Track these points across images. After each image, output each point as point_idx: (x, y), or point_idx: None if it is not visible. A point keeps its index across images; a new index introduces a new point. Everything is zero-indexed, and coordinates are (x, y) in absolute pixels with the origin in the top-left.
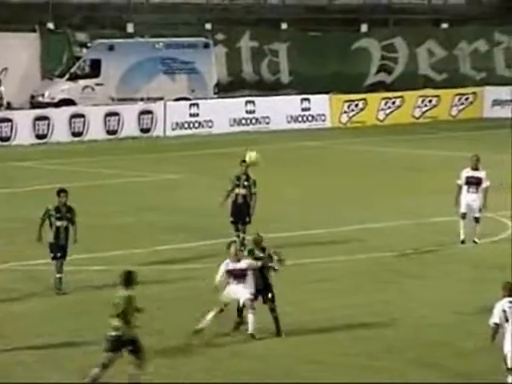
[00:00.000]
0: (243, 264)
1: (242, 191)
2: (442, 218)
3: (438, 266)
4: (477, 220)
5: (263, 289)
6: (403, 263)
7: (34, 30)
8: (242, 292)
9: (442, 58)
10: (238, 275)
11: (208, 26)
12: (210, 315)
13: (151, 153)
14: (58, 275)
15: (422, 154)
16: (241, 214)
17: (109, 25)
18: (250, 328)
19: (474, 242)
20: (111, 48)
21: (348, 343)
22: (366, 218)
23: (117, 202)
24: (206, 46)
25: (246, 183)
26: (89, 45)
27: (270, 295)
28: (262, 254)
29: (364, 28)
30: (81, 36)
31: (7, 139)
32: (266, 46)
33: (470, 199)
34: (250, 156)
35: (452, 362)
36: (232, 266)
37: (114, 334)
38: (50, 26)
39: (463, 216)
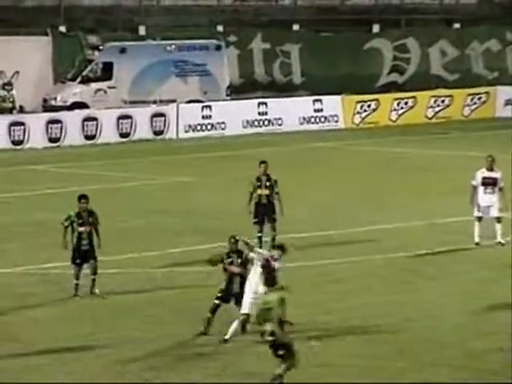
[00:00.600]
0: (277, 264)
1: (265, 192)
2: (455, 218)
3: (451, 266)
4: (498, 220)
5: (239, 293)
6: (417, 264)
7: (46, 34)
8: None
9: (455, 58)
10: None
11: (220, 27)
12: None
13: (164, 155)
14: (75, 281)
15: (435, 154)
16: (267, 214)
17: (120, 27)
18: None
19: (501, 243)
20: (123, 51)
21: (362, 344)
22: (380, 219)
23: (129, 204)
24: (218, 47)
25: (267, 183)
26: (101, 48)
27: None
28: (239, 260)
29: (376, 28)
30: (93, 39)
31: (20, 143)
32: (278, 47)
33: (487, 200)
34: None
35: (465, 363)
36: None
37: (270, 339)
38: (62, 29)
39: (479, 219)
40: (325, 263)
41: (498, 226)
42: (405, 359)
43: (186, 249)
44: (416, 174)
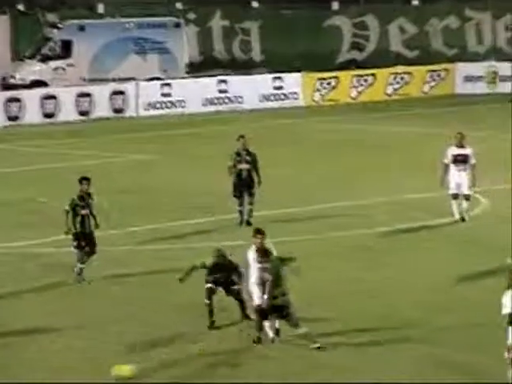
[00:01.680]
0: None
1: (246, 166)
2: (416, 194)
3: (413, 243)
4: (467, 197)
5: (230, 281)
6: (377, 241)
7: (4, 12)
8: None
9: (414, 35)
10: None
11: (179, 5)
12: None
13: (124, 133)
14: (80, 265)
15: (396, 131)
16: (246, 187)
17: (79, 5)
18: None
19: (463, 219)
20: (82, 28)
21: (322, 322)
22: (340, 196)
23: (91, 182)
24: (177, 25)
25: (247, 158)
26: (59, 26)
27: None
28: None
29: (335, 6)
30: (51, 17)
31: None
32: (238, 24)
33: (457, 177)
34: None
35: (428, 339)
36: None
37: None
38: (21, 7)
39: (455, 196)
40: (284, 240)
41: (466, 203)
42: (368, 335)
43: (146, 227)
44: (377, 151)
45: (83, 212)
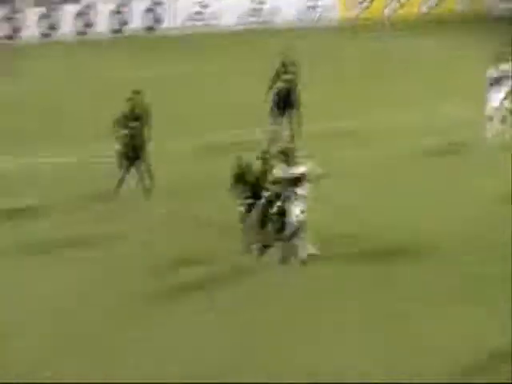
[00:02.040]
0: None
1: (288, 77)
2: (447, 118)
3: (440, 166)
4: (504, 119)
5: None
6: (401, 163)
7: None
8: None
9: None
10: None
11: None
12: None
13: (159, 47)
14: (122, 175)
15: (432, 49)
16: (285, 102)
17: None
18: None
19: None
20: None
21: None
22: (372, 115)
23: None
24: None
25: (290, 70)
26: None
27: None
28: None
29: None
30: None
31: (12, 37)
32: None
33: (496, 98)
34: None
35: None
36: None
37: None
38: None
39: (490, 118)
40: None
41: (505, 126)
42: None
43: (187, 141)
44: (412, 73)
45: (132, 125)
